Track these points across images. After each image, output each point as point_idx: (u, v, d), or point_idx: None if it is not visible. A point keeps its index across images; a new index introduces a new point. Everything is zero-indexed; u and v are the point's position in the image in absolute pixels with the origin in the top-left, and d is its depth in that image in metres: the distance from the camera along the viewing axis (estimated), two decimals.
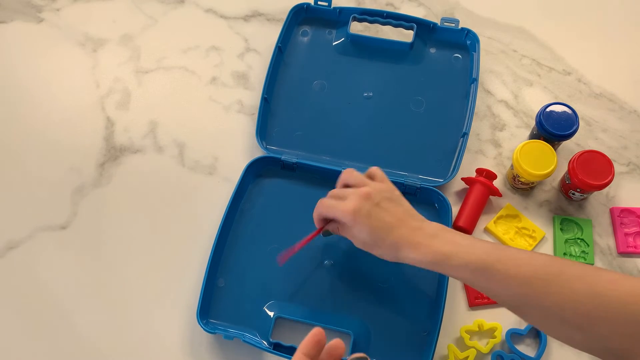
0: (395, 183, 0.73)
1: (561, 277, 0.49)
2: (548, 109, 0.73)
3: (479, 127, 0.81)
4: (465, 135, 0.75)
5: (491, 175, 0.74)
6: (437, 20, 0.83)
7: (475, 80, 0.79)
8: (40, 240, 0.74)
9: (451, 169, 0.74)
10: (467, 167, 0.77)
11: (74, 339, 0.69)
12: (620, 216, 0.74)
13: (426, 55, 0.84)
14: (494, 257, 0.52)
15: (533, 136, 0.77)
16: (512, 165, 0.74)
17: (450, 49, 0.84)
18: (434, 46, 0.84)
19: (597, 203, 0.76)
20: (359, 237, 0.59)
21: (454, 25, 0.83)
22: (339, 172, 0.73)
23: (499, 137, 0.80)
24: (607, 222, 0.74)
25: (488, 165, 0.78)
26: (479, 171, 0.75)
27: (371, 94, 0.81)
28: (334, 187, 0.73)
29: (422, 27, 0.83)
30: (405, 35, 0.85)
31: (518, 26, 0.89)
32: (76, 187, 0.77)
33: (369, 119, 0.79)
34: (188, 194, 0.77)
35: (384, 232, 0.58)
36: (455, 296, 0.70)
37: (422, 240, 0.56)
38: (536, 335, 0.67)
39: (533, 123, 0.79)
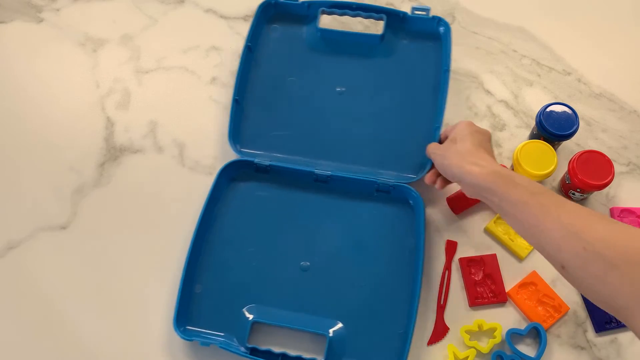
0: (367, 182, 0.73)
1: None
2: (548, 109, 0.73)
3: None
4: (437, 128, 0.74)
5: None
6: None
7: (447, 71, 0.77)
8: (40, 240, 0.74)
9: (425, 165, 0.73)
10: None
11: (72, 339, 0.69)
12: (620, 216, 0.74)
13: (398, 47, 0.82)
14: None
15: (533, 136, 0.77)
16: (512, 166, 0.74)
17: (422, 39, 0.82)
18: (406, 37, 0.82)
19: (597, 203, 0.75)
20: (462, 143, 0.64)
21: (424, 13, 0.81)
22: (312, 173, 0.73)
23: (499, 137, 0.80)
24: None
25: None
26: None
27: (344, 89, 0.80)
28: (307, 189, 0.75)
29: (393, 18, 0.82)
30: (382, 28, 0.83)
31: (518, 26, 0.89)
32: (76, 187, 0.77)
33: (343, 115, 0.78)
34: (188, 194, 0.77)
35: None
36: (456, 296, 0.70)
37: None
38: (536, 335, 0.67)
39: (533, 123, 0.79)
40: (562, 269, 0.51)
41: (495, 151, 0.79)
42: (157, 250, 0.73)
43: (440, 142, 0.71)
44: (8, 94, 0.85)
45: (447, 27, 0.80)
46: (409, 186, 0.72)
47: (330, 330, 0.67)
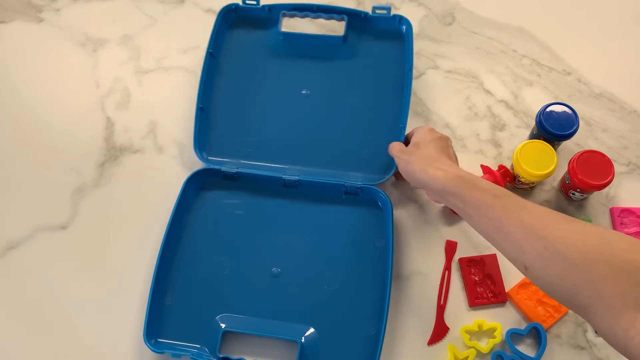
0: (336, 185, 0.73)
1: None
2: (548, 109, 0.73)
3: (478, 127, 0.81)
4: (402, 128, 0.73)
5: (508, 175, 0.73)
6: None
7: (410, 70, 0.77)
8: (40, 240, 0.74)
9: (392, 166, 0.73)
10: (468, 168, 0.76)
11: (73, 339, 0.69)
12: (620, 216, 0.74)
13: (361, 47, 0.81)
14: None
15: (533, 136, 0.77)
16: (512, 166, 0.74)
17: (384, 38, 0.81)
18: (368, 37, 0.82)
19: (597, 203, 0.75)
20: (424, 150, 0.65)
21: (385, 12, 0.80)
22: (281, 179, 0.73)
23: (499, 137, 0.80)
24: (607, 222, 0.74)
25: (488, 165, 0.77)
26: (500, 167, 0.75)
27: (309, 92, 0.79)
28: (276, 195, 0.74)
29: (354, 18, 0.81)
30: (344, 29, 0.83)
31: (518, 26, 0.89)
32: (76, 187, 0.77)
33: (309, 118, 0.78)
34: None
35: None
36: (456, 296, 0.70)
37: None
38: (536, 335, 0.67)
39: (533, 123, 0.79)
40: (525, 270, 0.52)
41: (495, 151, 0.79)
42: (153, 252, 0.73)
43: (404, 143, 0.71)
44: (8, 94, 0.85)
45: (408, 25, 0.79)
46: (377, 187, 0.72)
47: (303, 337, 0.66)
